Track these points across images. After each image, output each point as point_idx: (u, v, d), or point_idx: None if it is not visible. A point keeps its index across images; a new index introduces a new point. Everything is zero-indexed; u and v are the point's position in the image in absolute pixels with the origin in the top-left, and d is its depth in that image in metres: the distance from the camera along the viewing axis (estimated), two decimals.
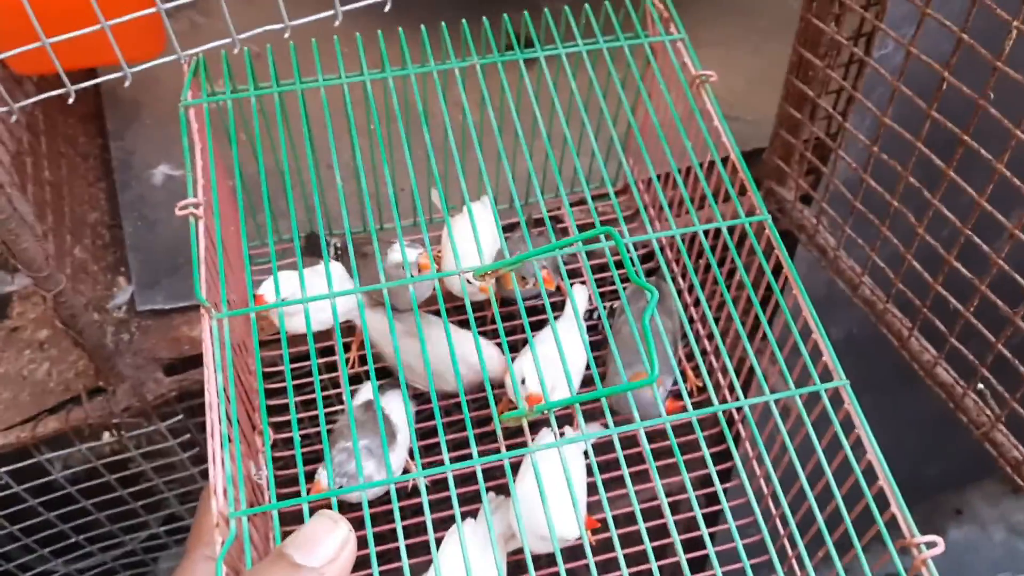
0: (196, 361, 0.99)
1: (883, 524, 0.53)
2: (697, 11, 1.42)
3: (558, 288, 0.94)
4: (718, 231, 0.66)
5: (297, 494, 0.53)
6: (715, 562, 0.54)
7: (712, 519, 0.62)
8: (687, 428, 0.61)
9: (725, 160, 0.69)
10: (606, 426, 0.86)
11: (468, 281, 0.65)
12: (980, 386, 0.91)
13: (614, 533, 0.57)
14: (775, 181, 1.08)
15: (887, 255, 0.95)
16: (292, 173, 0.72)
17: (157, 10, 0.65)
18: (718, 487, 0.61)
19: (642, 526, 0.56)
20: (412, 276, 0.65)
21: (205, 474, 1.10)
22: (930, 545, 0.51)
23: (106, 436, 1.04)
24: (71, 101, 0.66)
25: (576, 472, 0.80)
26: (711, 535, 0.58)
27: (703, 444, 0.60)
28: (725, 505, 0.60)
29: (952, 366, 0.94)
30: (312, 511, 0.47)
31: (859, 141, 0.90)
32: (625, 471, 0.57)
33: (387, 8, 0.68)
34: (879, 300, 0.98)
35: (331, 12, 0.67)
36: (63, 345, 1.01)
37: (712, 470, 0.60)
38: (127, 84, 0.67)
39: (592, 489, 0.68)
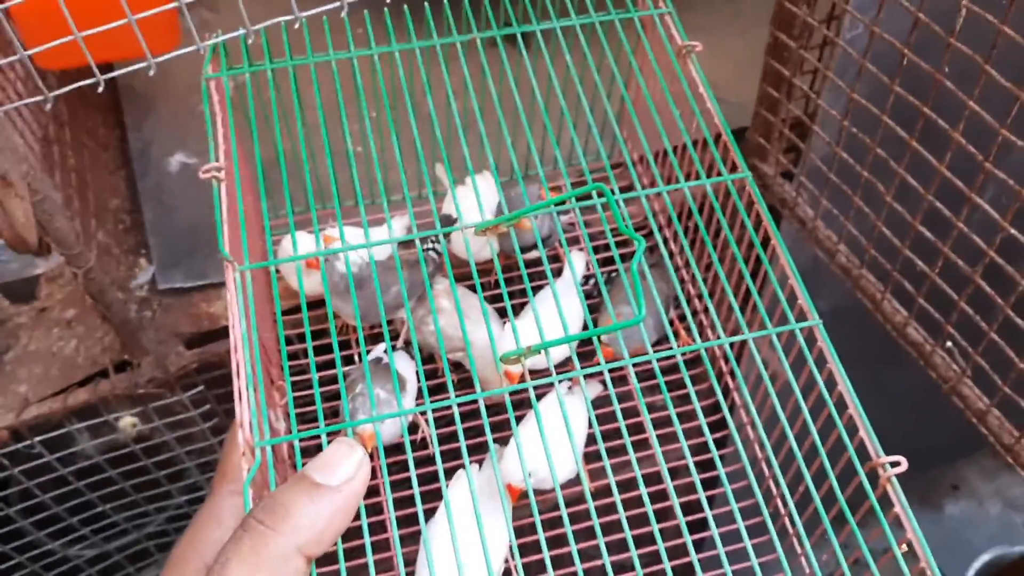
0: (215, 335, 1.06)
1: (853, 449, 0.58)
2: None
3: (556, 256, 1.00)
4: (706, 197, 0.71)
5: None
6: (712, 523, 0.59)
7: (708, 468, 0.66)
8: (680, 384, 0.66)
9: (717, 138, 0.73)
10: (603, 383, 0.93)
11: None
12: (948, 344, 0.97)
13: (616, 495, 0.61)
14: (757, 158, 1.14)
15: (862, 224, 1.01)
16: (307, 145, 0.77)
17: (176, 5, 0.71)
18: (712, 450, 0.65)
19: (643, 490, 0.61)
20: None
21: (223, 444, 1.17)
22: (894, 464, 0.55)
23: (129, 419, 1.10)
24: (100, 90, 0.72)
25: (577, 420, 0.86)
26: (707, 490, 0.62)
27: (689, 384, 0.64)
28: (716, 456, 0.64)
29: (922, 325, 1.00)
30: (330, 442, 0.52)
31: (833, 117, 0.96)
32: (622, 424, 0.62)
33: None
34: (854, 266, 1.05)
35: (336, 4, 0.73)
36: (90, 322, 1.08)
37: (704, 426, 0.64)
38: (152, 73, 0.73)
39: (594, 457, 0.72)
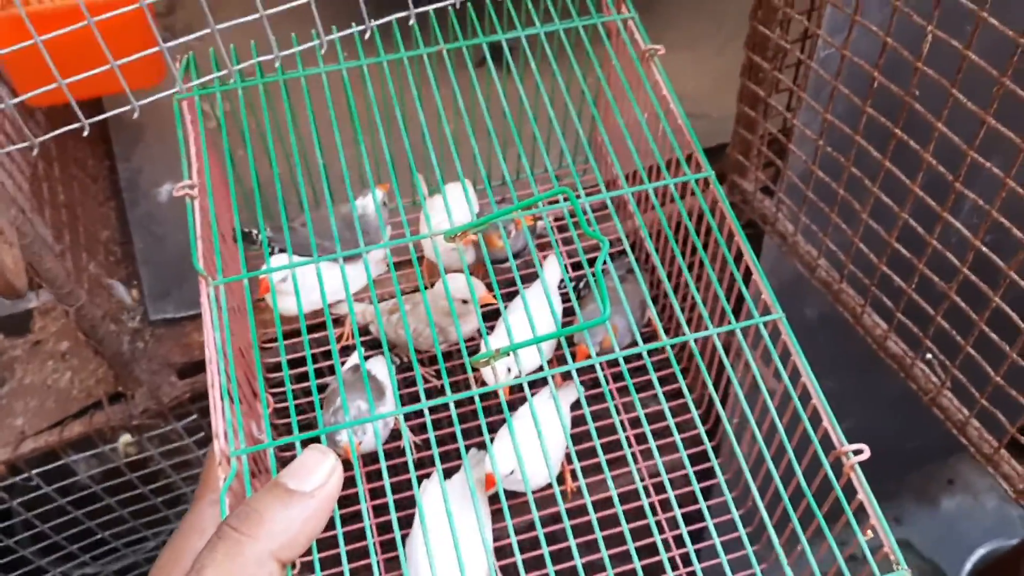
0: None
1: (817, 441, 0.58)
2: (665, 14, 1.50)
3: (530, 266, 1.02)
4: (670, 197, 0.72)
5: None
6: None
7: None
8: (651, 384, 0.66)
9: (689, 157, 0.73)
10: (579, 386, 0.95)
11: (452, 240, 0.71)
12: (928, 356, 0.99)
13: (586, 492, 0.61)
14: (737, 174, 1.16)
15: (840, 240, 1.02)
16: (281, 161, 0.78)
17: (160, 49, 0.72)
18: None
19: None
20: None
21: None
22: (857, 452, 0.56)
23: (126, 437, 1.12)
24: (86, 134, 0.74)
25: (554, 422, 0.87)
26: (679, 489, 0.64)
27: (655, 381, 0.65)
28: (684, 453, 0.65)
29: (901, 338, 1.02)
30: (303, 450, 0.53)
31: (809, 136, 0.98)
32: (592, 427, 0.63)
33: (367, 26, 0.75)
34: (834, 281, 1.06)
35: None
36: (83, 355, 1.09)
37: (673, 427, 0.64)
38: (136, 115, 0.75)
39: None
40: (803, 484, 0.59)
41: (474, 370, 0.68)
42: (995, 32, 0.72)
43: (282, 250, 0.86)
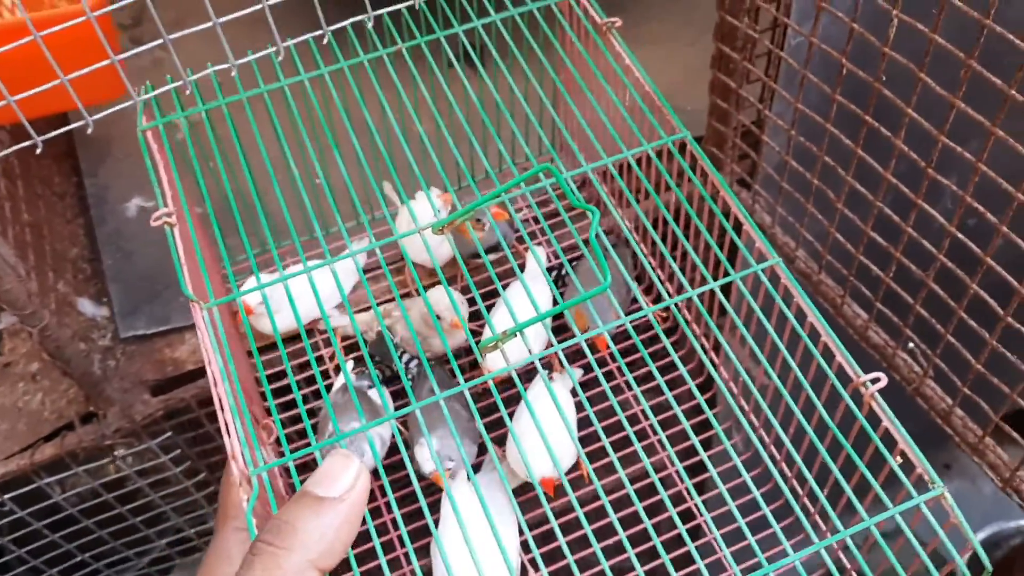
0: (180, 381, 1.06)
1: (833, 374, 0.58)
2: (635, 10, 1.48)
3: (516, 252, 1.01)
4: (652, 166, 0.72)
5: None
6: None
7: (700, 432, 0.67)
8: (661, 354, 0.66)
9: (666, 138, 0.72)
10: (586, 368, 0.94)
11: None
12: (910, 345, 0.98)
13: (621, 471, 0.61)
14: (713, 167, 1.14)
15: (818, 230, 1.01)
16: (255, 183, 0.77)
17: (111, 61, 0.71)
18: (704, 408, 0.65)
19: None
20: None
21: (199, 486, 1.17)
22: (875, 381, 0.56)
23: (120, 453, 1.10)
24: (39, 151, 0.72)
25: (566, 407, 0.87)
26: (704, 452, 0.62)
27: (664, 339, 0.64)
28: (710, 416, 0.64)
29: (883, 328, 1.00)
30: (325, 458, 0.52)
31: (782, 126, 0.97)
32: (613, 401, 0.62)
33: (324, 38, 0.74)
34: (813, 272, 1.05)
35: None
36: (54, 376, 1.07)
37: (694, 388, 0.64)
38: (89, 131, 0.73)
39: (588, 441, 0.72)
40: (826, 417, 0.58)
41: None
42: (963, 16, 0.71)
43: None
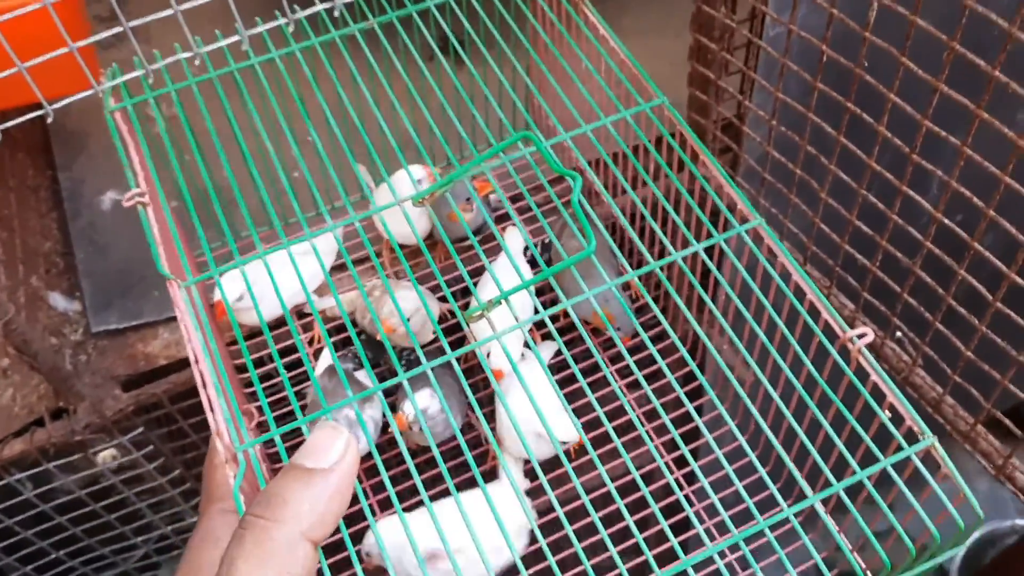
0: (152, 376, 1.04)
1: (819, 330, 0.58)
2: (618, 1, 1.47)
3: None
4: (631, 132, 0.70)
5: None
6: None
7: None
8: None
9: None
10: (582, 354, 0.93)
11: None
12: (899, 334, 0.96)
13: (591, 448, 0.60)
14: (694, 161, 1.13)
15: (803, 222, 1.00)
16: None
17: (70, 49, 0.69)
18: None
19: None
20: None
21: (173, 483, 1.15)
22: (861, 336, 0.56)
23: (110, 452, 1.09)
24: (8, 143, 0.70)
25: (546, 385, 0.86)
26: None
27: (652, 305, 0.63)
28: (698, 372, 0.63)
29: (870, 318, 0.99)
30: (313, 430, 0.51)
31: (763, 117, 0.95)
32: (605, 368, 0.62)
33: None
34: (798, 263, 1.03)
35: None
36: (24, 371, 1.05)
37: (686, 354, 0.62)
38: (50, 120, 0.71)
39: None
40: (815, 374, 0.58)
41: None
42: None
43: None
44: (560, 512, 0.56)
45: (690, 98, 1.06)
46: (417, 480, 0.54)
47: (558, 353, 0.98)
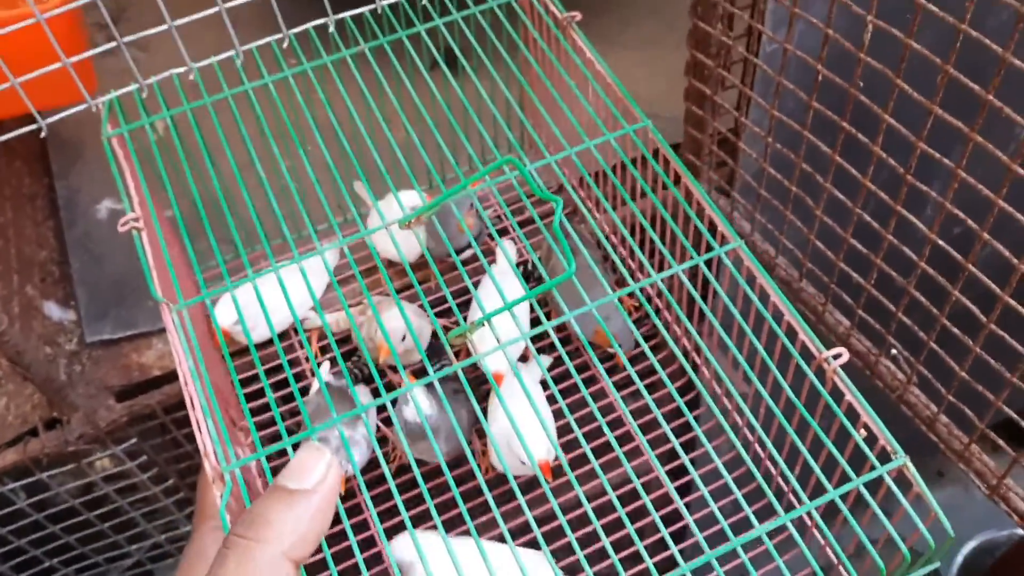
0: (146, 386, 1.04)
1: (795, 351, 0.59)
2: (619, 14, 1.47)
3: (491, 251, 1.00)
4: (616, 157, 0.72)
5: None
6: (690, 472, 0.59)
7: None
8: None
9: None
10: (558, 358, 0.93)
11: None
12: (893, 352, 0.96)
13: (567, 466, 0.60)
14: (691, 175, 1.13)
15: (799, 238, 1.00)
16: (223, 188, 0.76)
17: (64, 64, 0.69)
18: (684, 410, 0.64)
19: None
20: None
21: (167, 492, 1.15)
22: (837, 356, 0.57)
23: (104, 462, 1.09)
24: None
25: (538, 400, 0.86)
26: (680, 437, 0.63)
27: (630, 326, 0.65)
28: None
29: (865, 335, 0.99)
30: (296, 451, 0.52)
31: (759, 133, 0.95)
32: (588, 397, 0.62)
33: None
34: (793, 280, 1.03)
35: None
36: (18, 381, 1.05)
37: (666, 380, 0.63)
38: (43, 135, 0.71)
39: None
40: (791, 395, 0.59)
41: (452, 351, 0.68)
42: (940, 22, 0.70)
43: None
44: (562, 519, 0.57)
45: (686, 112, 1.06)
46: (433, 511, 0.55)
47: (551, 367, 0.98)
